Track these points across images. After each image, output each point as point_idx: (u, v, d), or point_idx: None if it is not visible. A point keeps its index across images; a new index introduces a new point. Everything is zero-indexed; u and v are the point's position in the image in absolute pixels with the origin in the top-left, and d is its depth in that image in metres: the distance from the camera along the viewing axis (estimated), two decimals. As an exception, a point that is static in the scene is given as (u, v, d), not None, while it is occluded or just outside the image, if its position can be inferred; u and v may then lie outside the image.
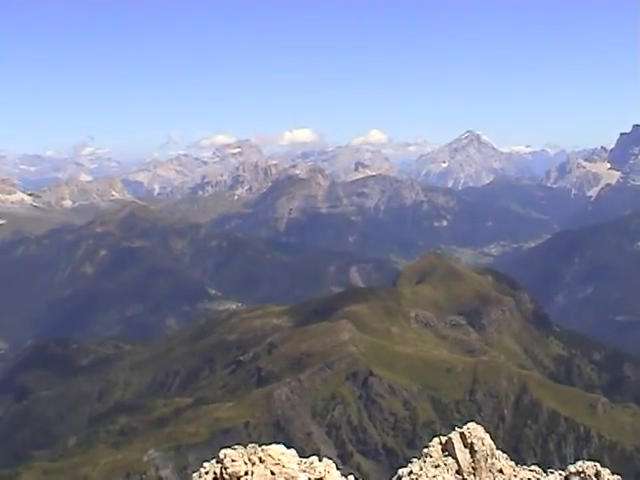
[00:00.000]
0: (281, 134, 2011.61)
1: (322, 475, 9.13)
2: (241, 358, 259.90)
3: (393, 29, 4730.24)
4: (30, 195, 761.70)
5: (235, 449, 8.46)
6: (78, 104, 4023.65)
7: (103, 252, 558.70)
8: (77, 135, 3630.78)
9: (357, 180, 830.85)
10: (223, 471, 8.31)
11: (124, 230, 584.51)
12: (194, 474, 8.76)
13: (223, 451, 8.57)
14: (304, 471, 8.98)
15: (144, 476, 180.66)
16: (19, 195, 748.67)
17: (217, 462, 8.63)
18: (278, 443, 9.46)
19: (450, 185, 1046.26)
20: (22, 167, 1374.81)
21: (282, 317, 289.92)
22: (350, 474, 10.29)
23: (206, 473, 8.59)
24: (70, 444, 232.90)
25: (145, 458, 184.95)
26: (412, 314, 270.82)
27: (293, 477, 8.61)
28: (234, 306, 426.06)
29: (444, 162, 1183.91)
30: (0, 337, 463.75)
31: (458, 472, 15.09)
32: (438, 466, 14.86)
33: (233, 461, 8.28)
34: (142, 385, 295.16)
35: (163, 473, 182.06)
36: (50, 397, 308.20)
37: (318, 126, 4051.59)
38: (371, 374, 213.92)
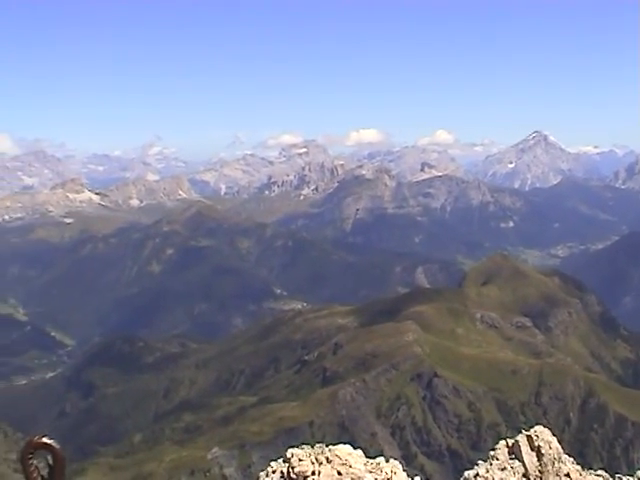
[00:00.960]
0: (347, 134, 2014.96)
1: (389, 476, 9.13)
2: (306, 358, 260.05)
3: (461, 30, 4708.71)
4: (98, 194, 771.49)
5: (302, 448, 8.48)
6: (146, 104, 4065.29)
7: (170, 251, 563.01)
8: (145, 135, 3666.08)
9: (423, 180, 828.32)
10: (290, 470, 8.35)
11: (191, 229, 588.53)
12: (261, 473, 8.82)
13: (290, 450, 8.60)
14: (370, 472, 9.00)
15: (208, 474, 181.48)
16: (87, 194, 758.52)
17: (284, 461, 8.67)
18: (342, 443, 9.46)
19: (517, 186, 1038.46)
20: (90, 166, 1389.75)
21: (347, 317, 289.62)
22: (416, 476, 10.30)
23: (273, 472, 8.63)
24: (135, 441, 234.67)
25: (209, 456, 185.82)
26: (478, 315, 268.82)
27: (360, 478, 8.62)
28: (299, 306, 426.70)
29: (511, 163, 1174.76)
30: (68, 334, 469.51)
31: (525, 475, 15.01)
32: (504, 469, 14.78)
33: (300, 460, 8.30)
34: (207, 383, 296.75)
35: (227, 471, 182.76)
36: (116, 394, 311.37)
37: (385, 126, 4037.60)
38: (436, 375, 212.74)
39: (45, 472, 6.47)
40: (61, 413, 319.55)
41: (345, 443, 11.72)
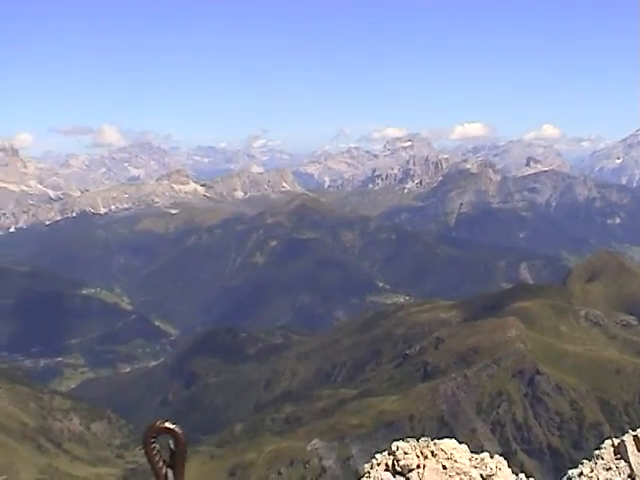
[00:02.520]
0: (452, 128, 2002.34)
1: (493, 472, 8.76)
2: (407, 352, 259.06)
3: (568, 23, 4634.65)
4: (203, 186, 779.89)
5: (407, 442, 8.17)
6: (252, 97, 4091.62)
7: (273, 243, 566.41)
8: (250, 127, 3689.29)
9: (529, 175, 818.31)
10: (395, 463, 8.04)
11: (294, 221, 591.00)
12: (365, 465, 8.53)
13: (395, 443, 8.29)
14: (475, 467, 8.64)
15: (307, 465, 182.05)
16: (192, 186, 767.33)
17: (389, 454, 8.35)
18: (442, 438, 9.15)
19: (624, 182, 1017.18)
20: (196, 158, 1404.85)
21: (450, 312, 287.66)
22: (522, 472, 9.92)
23: (378, 464, 8.32)
24: (236, 431, 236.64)
25: (309, 447, 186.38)
26: (582, 313, 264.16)
27: (465, 472, 8.27)
28: (402, 299, 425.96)
29: (618, 158, 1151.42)
30: (171, 324, 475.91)
31: (630, 476, 14.39)
32: (610, 469, 14.19)
33: (405, 454, 7.98)
34: (308, 375, 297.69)
35: (326, 463, 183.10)
36: (218, 384, 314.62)
37: (490, 120, 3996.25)
38: (538, 372, 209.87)
39: (167, 456, 6.52)
40: (163, 401, 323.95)
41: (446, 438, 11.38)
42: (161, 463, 6.26)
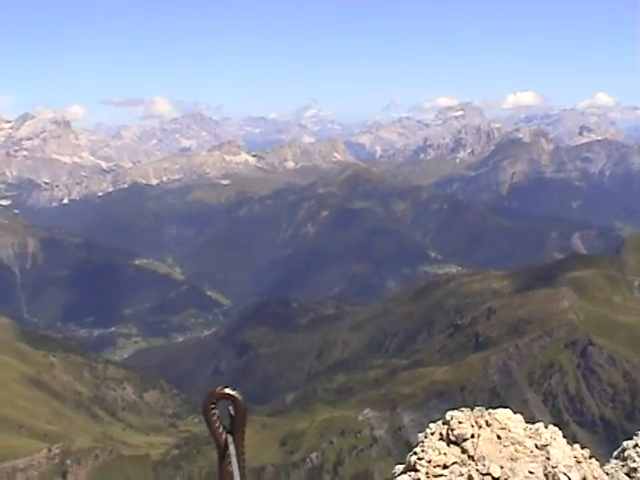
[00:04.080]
0: (504, 97, 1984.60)
1: (548, 442, 8.32)
2: (459, 322, 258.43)
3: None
4: (254, 156, 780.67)
5: (462, 411, 7.82)
6: (303, 67, 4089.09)
7: (325, 213, 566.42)
8: (301, 98, 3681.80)
9: (582, 145, 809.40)
10: (449, 432, 7.69)
11: (346, 191, 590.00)
12: (419, 434, 8.15)
13: (450, 413, 7.95)
14: (530, 437, 8.23)
15: (359, 435, 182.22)
16: (243, 156, 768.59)
17: (443, 423, 7.99)
18: (494, 409, 8.80)
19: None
20: (247, 129, 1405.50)
21: (502, 282, 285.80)
22: (575, 443, 9.52)
23: (432, 434, 7.96)
24: (288, 400, 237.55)
25: (360, 417, 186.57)
26: (636, 283, 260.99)
27: (519, 442, 7.89)
28: (454, 270, 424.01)
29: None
30: (223, 294, 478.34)
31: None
32: (665, 440, 13.63)
33: (460, 423, 7.63)
34: (360, 345, 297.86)
35: (377, 433, 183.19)
36: (270, 354, 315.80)
37: (542, 89, 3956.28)
38: (590, 343, 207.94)
39: (227, 423, 6.55)
40: (216, 371, 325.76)
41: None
42: (221, 429, 6.30)
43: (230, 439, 6.44)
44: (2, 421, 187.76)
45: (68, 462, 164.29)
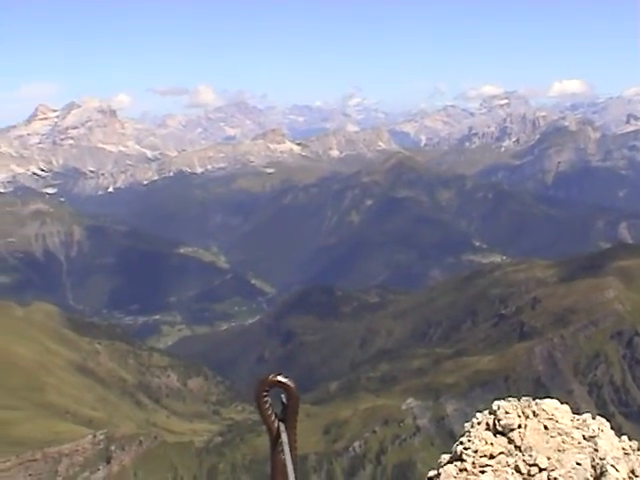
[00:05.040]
0: (550, 85, 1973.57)
1: (596, 433, 8.06)
2: (504, 312, 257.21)
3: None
4: (298, 145, 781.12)
5: (508, 401, 7.59)
6: (347, 55, 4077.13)
7: (369, 201, 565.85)
8: (345, 86, 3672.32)
9: (629, 133, 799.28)
10: (496, 422, 7.47)
11: (390, 180, 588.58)
12: (466, 424, 7.92)
13: (496, 402, 7.73)
14: (577, 428, 7.98)
15: (402, 424, 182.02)
16: (288, 145, 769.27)
17: (490, 413, 7.76)
18: (538, 399, 8.58)
19: None
20: (291, 117, 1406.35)
21: (547, 272, 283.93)
22: (622, 434, 9.23)
23: (478, 423, 7.73)
24: (332, 389, 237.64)
25: (403, 406, 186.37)
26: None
27: (567, 433, 7.64)
28: (498, 259, 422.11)
29: None
30: (267, 282, 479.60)
31: None
32: None
33: (507, 413, 7.51)
34: (404, 334, 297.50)
35: (420, 422, 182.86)
36: (314, 342, 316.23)
37: (588, 77, 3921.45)
38: (637, 334, 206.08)
39: (279, 410, 6.55)
40: (260, 359, 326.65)
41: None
42: (273, 417, 6.31)
43: (282, 427, 6.48)
44: (48, 407, 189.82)
45: (112, 448, 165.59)
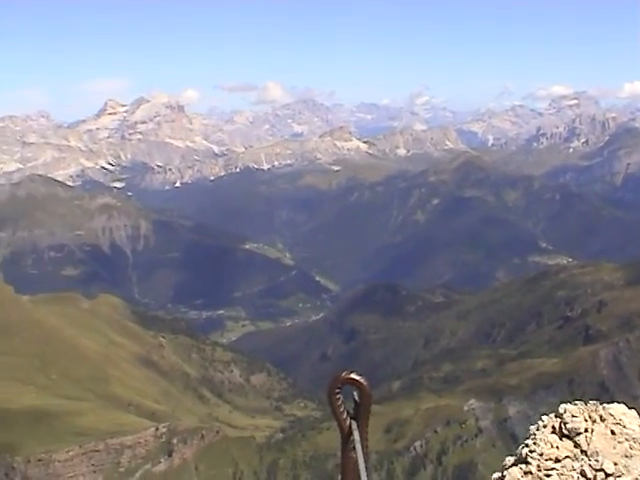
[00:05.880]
0: (621, 86, 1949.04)
1: (665, 439, 7.64)
2: (569, 314, 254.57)
3: None
4: (365, 143, 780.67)
5: (575, 404, 7.37)
6: (415, 54, 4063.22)
7: (435, 201, 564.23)
8: (413, 84, 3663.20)
9: None
10: (562, 426, 7.43)
11: (457, 180, 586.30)
12: (531, 427, 7.59)
13: (563, 406, 7.47)
14: (645, 433, 7.57)
15: (464, 425, 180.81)
16: (355, 142, 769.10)
17: (556, 416, 7.50)
18: (602, 403, 8.20)
19: None
20: (358, 115, 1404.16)
21: (614, 275, 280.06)
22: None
23: (544, 426, 7.51)
24: (394, 387, 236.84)
25: (466, 407, 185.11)
26: None
27: (634, 439, 7.52)
28: (564, 261, 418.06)
29: None
30: (332, 279, 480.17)
31: None
32: None
33: (573, 417, 7.46)
34: (467, 334, 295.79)
35: (482, 424, 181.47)
36: (378, 340, 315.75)
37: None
38: None
39: (351, 408, 6.52)
40: (323, 356, 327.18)
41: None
42: (345, 414, 6.28)
43: (354, 425, 6.45)
44: (112, 399, 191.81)
45: (174, 441, 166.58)
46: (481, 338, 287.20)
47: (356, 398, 6.40)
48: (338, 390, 6.28)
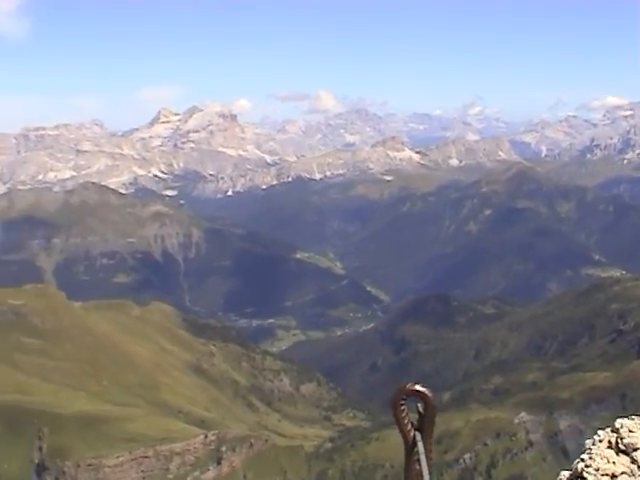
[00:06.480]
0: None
1: None
2: (622, 327, 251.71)
3: None
4: (418, 153, 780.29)
5: (632, 419, 7.33)
6: (468, 64, 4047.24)
7: (488, 211, 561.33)
8: (466, 95, 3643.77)
9: None
10: (619, 441, 7.39)
11: (510, 190, 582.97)
12: (587, 441, 7.29)
13: (619, 420, 7.43)
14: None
15: (514, 438, 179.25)
16: (407, 152, 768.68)
17: (612, 431, 7.46)
18: None
19: None
20: (411, 125, 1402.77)
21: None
22: None
23: (600, 441, 7.47)
24: (444, 399, 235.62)
25: (516, 420, 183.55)
26: None
27: None
28: (618, 273, 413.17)
29: None
30: (383, 289, 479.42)
31: None
32: None
33: (630, 432, 7.41)
34: (518, 347, 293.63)
35: (533, 437, 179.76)
36: (428, 351, 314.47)
37: None
38: None
39: (415, 419, 6.52)
40: (373, 366, 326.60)
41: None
42: (409, 425, 6.28)
43: (418, 436, 6.46)
44: (162, 405, 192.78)
45: (223, 449, 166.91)
46: (532, 350, 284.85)
47: (421, 410, 6.44)
48: (403, 401, 6.33)
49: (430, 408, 6.28)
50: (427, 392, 6.23)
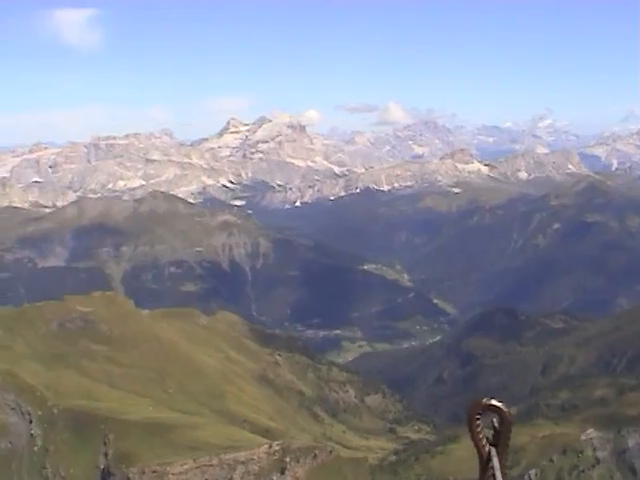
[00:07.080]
0: None
1: None
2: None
3: None
4: (486, 165, 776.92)
5: None
6: (538, 76, 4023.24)
7: (556, 225, 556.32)
8: (536, 107, 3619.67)
9: None
10: None
11: (579, 204, 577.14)
12: None
13: None
14: None
15: (580, 455, 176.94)
16: (476, 165, 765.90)
17: None
18: None
19: None
20: (480, 137, 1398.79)
21: None
22: None
23: None
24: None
25: (583, 437, 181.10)
26: None
27: None
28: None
29: None
30: (449, 302, 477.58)
31: None
32: None
33: None
34: (587, 362, 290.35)
35: (600, 455, 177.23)
36: (495, 365, 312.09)
37: None
38: None
39: (490, 434, 6.50)
40: (438, 379, 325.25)
41: None
42: (484, 441, 6.27)
43: (493, 451, 6.43)
44: (227, 414, 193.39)
45: (287, 459, 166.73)
46: (601, 366, 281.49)
47: (496, 425, 6.42)
48: (478, 416, 6.32)
49: (506, 423, 6.26)
50: (503, 407, 6.23)
